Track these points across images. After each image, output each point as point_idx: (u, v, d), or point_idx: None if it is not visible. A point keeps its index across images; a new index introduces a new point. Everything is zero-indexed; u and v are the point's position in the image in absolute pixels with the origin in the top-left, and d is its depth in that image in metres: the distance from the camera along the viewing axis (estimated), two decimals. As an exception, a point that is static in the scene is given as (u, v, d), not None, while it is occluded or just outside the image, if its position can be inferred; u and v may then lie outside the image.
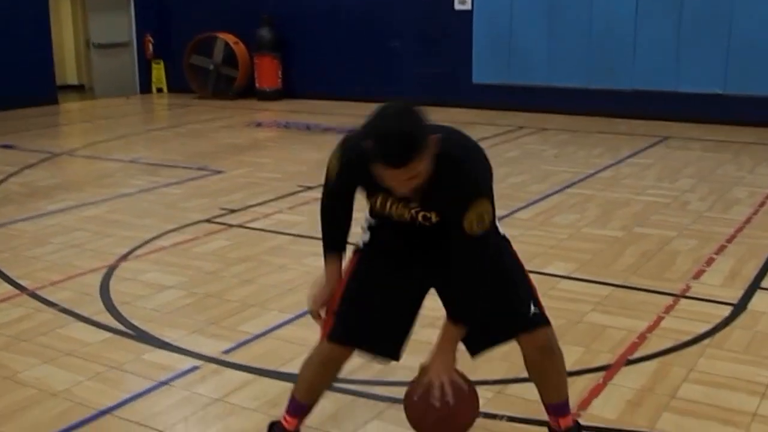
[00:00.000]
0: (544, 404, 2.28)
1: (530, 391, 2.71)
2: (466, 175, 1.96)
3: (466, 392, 2.16)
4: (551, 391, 2.25)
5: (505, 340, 2.22)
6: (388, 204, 2.08)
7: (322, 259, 2.26)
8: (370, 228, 2.24)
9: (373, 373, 2.93)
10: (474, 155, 2.02)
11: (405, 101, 1.92)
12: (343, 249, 2.26)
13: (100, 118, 9.92)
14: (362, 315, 2.19)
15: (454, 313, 2.14)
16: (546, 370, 2.21)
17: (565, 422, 2.26)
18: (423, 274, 2.19)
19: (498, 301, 2.14)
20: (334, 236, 2.24)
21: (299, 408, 2.30)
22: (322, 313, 2.24)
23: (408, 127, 1.84)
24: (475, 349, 2.25)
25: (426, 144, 1.85)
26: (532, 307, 2.16)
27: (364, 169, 1.95)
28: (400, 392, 2.74)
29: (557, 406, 2.26)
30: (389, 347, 2.25)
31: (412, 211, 2.07)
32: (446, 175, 1.93)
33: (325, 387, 2.32)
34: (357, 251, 2.27)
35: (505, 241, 2.21)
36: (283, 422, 2.31)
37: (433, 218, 2.07)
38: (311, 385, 2.28)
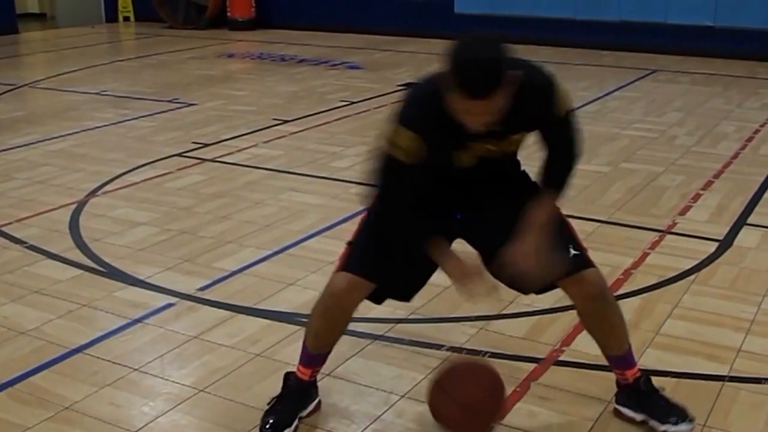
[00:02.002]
0: (605, 356, 2.14)
1: (512, 327, 2.70)
2: (548, 98, 1.91)
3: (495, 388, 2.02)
4: (610, 343, 2.10)
5: (544, 286, 2.05)
6: (462, 155, 1.95)
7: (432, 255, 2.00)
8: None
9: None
10: (529, 65, 1.92)
11: (487, 32, 1.81)
12: (431, 231, 2.01)
13: (64, 48, 9.50)
14: (382, 250, 2.03)
15: (544, 180, 2.04)
16: (600, 320, 2.05)
17: (632, 373, 2.13)
18: (456, 223, 2.07)
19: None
20: (425, 230, 1.99)
21: (311, 358, 2.18)
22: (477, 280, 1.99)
23: (494, 55, 1.74)
24: (532, 289, 2.10)
25: (508, 75, 1.74)
26: (572, 249, 2.01)
27: (437, 128, 1.83)
28: (380, 329, 2.72)
29: (620, 358, 2.12)
30: (405, 289, 2.13)
31: (487, 147, 1.93)
32: (525, 99, 1.83)
33: (336, 333, 2.15)
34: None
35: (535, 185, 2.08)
36: (298, 372, 2.20)
37: (505, 147, 1.98)
38: (319, 331, 2.14)
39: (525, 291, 2.12)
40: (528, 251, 1.95)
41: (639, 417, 2.14)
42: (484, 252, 2.08)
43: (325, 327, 2.13)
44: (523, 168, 2.17)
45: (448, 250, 2.01)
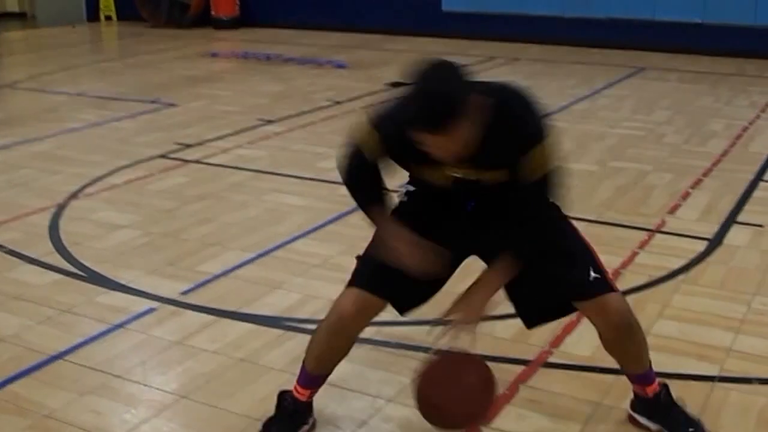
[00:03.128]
0: (624, 373, 2.10)
1: (500, 329, 2.66)
2: (520, 128, 1.80)
3: (479, 381, 1.95)
4: (631, 364, 2.06)
5: (563, 311, 2.01)
6: (433, 172, 1.90)
7: (370, 221, 2.03)
8: (408, 193, 2.07)
9: (341, 313, 2.82)
10: (524, 103, 1.82)
11: (444, 60, 1.75)
12: (385, 204, 2.03)
13: (44, 49, 9.38)
14: (386, 267, 1.94)
15: (503, 252, 1.93)
16: (622, 347, 2.00)
17: (652, 388, 2.08)
18: (463, 240, 2.00)
19: (551, 266, 1.93)
20: (372, 197, 2.02)
21: (310, 380, 2.09)
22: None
23: (447, 89, 1.68)
24: (531, 321, 2.05)
25: (468, 106, 1.67)
26: (592, 272, 1.92)
27: (404, 141, 1.77)
28: (365, 332, 2.65)
29: (640, 376, 2.08)
30: (409, 304, 2.06)
31: (458, 174, 1.87)
32: (498, 132, 1.75)
33: (340, 357, 2.06)
34: (393, 210, 2.06)
35: (554, 205, 1.98)
36: (294, 392, 2.11)
37: (486, 178, 1.88)
38: (322, 355, 2.05)
39: (527, 325, 2.08)
40: (473, 309, 1.94)
41: (654, 427, 2.10)
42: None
43: (328, 351, 2.05)
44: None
45: (386, 217, 1.99)
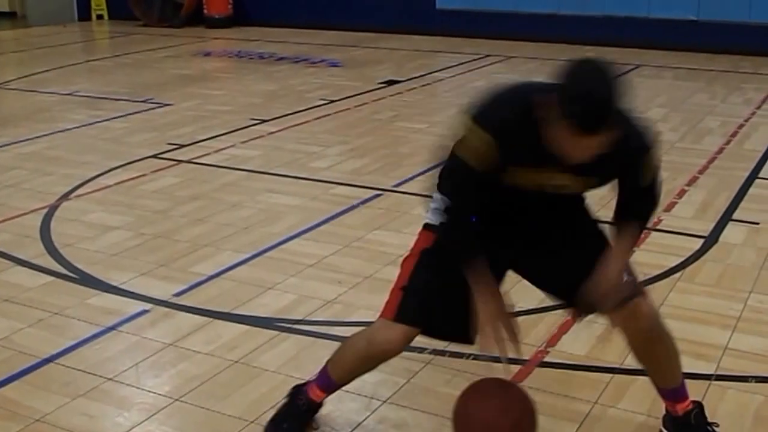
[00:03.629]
0: (655, 387, 2.03)
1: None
2: (641, 135, 1.79)
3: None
4: (662, 376, 1.99)
5: (591, 312, 1.94)
6: (531, 177, 1.79)
7: (468, 272, 1.83)
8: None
9: (333, 314, 2.81)
10: (634, 117, 1.80)
11: (597, 58, 1.70)
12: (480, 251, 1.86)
13: (35, 48, 9.31)
14: (437, 296, 1.88)
15: (626, 215, 1.90)
16: (652, 354, 1.94)
17: (683, 407, 2.00)
18: (513, 255, 1.94)
19: (580, 267, 1.86)
20: (473, 241, 1.84)
21: (332, 386, 2.06)
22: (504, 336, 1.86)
23: (611, 91, 1.63)
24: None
25: (618, 115, 1.64)
26: (624, 275, 1.86)
27: (518, 143, 1.70)
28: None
29: (670, 392, 2.00)
30: (463, 331, 1.93)
31: (559, 180, 1.80)
32: (624, 138, 1.71)
33: (368, 372, 2.04)
34: (431, 227, 1.93)
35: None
36: (311, 393, 2.06)
37: (577, 185, 1.84)
38: (353, 371, 2.01)
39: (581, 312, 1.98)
40: (612, 277, 1.85)
41: None
42: (535, 279, 2.00)
43: (362, 370, 2.02)
44: (591, 214, 2.03)
45: (488, 278, 1.84)
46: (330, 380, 2.04)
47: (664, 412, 2.08)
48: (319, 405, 2.09)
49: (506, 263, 1.97)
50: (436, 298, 1.89)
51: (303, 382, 2.13)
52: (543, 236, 1.93)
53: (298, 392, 2.09)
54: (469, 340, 1.94)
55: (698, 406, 2.04)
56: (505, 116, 1.74)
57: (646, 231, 3.50)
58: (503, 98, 1.78)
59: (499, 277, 1.95)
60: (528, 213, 1.91)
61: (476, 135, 1.74)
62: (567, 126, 1.60)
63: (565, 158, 1.68)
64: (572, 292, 1.90)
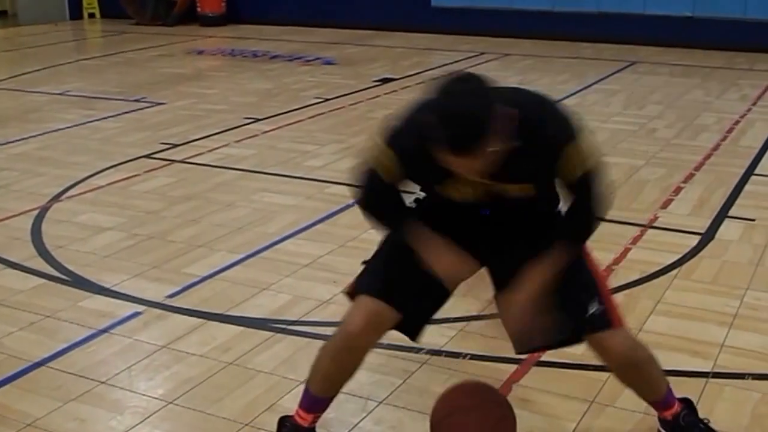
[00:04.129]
0: (643, 399, 2.01)
1: (489, 328, 2.62)
2: (548, 134, 1.71)
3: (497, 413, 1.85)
4: (644, 395, 1.98)
5: (558, 345, 1.93)
6: (454, 189, 1.80)
7: (393, 233, 1.89)
8: (418, 200, 1.97)
9: (328, 314, 2.79)
10: (549, 109, 1.76)
11: (468, 73, 1.64)
12: (409, 215, 1.90)
13: (26, 47, 9.25)
14: (399, 274, 1.86)
15: (562, 233, 1.83)
16: (630, 380, 1.93)
17: (671, 412, 1.99)
18: (478, 248, 1.89)
19: (554, 300, 1.82)
20: (395, 216, 1.89)
21: (315, 403, 1.95)
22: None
23: (474, 108, 1.56)
24: (520, 350, 1.96)
25: (495, 122, 1.57)
26: (594, 305, 1.81)
27: (423, 159, 1.68)
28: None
29: (657, 403, 1.99)
30: (419, 319, 1.94)
31: (486, 189, 1.77)
32: (526, 142, 1.66)
33: (349, 375, 1.92)
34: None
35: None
36: (297, 417, 1.96)
37: (511, 191, 1.79)
38: (330, 374, 1.91)
39: (516, 349, 1.95)
40: (519, 306, 1.82)
41: None
42: (497, 285, 1.94)
43: (336, 370, 1.90)
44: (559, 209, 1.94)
45: (428, 232, 1.83)
46: (309, 395, 1.94)
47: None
48: (309, 429, 1.97)
49: (477, 257, 1.91)
50: (394, 267, 1.88)
51: (288, 414, 2.02)
52: (501, 233, 1.90)
53: (283, 423, 2.00)
54: (414, 334, 1.94)
55: (686, 406, 2.02)
56: (405, 135, 1.76)
57: (642, 228, 3.54)
58: (408, 120, 1.77)
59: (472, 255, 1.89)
60: (479, 221, 1.89)
61: (381, 150, 1.80)
62: (441, 149, 1.60)
63: (459, 175, 1.67)
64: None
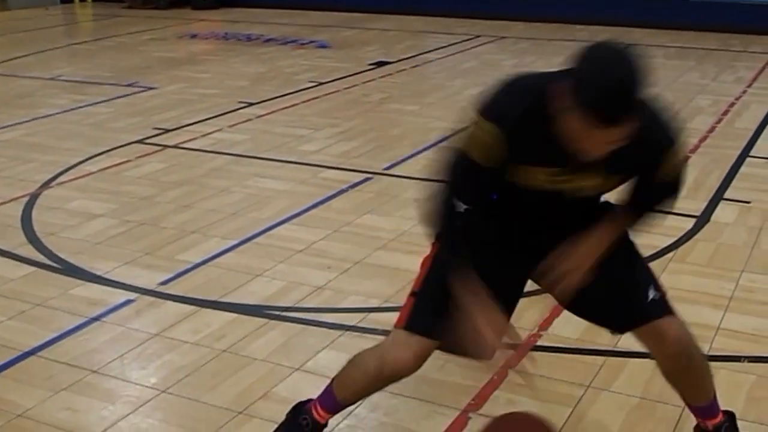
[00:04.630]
0: (685, 403, 1.90)
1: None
2: (664, 130, 1.63)
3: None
4: (692, 395, 1.84)
5: (616, 329, 1.83)
6: (540, 175, 1.64)
7: (451, 272, 1.68)
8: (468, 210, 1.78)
9: (322, 300, 2.77)
10: (660, 106, 1.66)
11: (617, 42, 1.52)
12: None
13: (16, 32, 9.14)
14: (451, 311, 1.70)
15: (631, 206, 1.76)
16: (682, 376, 1.79)
17: (714, 422, 1.88)
18: (532, 261, 1.75)
19: (611, 284, 1.73)
20: (458, 241, 1.70)
21: (337, 406, 1.88)
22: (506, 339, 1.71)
23: (634, 77, 1.46)
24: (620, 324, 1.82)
25: (642, 96, 1.48)
26: (651, 292, 1.72)
27: (529, 138, 1.55)
28: (351, 319, 2.62)
29: (701, 409, 1.87)
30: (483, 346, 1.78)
31: (587, 179, 1.64)
32: (646, 133, 1.56)
33: (375, 392, 1.86)
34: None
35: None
36: (316, 414, 1.88)
37: (592, 185, 1.67)
38: (361, 392, 1.83)
39: (561, 302, 1.84)
40: (578, 255, 1.69)
41: None
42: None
43: (370, 391, 1.84)
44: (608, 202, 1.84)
45: (477, 281, 1.67)
46: (335, 401, 1.87)
47: (695, 423, 1.95)
48: (324, 426, 1.91)
49: (517, 282, 1.80)
50: (443, 302, 1.70)
51: (305, 399, 1.94)
52: (562, 237, 1.74)
53: (299, 411, 1.91)
54: (487, 355, 1.75)
55: (729, 419, 1.91)
56: (512, 106, 1.59)
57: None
58: (511, 89, 1.63)
59: (509, 300, 1.78)
60: (542, 220, 1.76)
61: (481, 127, 1.60)
62: (583, 116, 1.44)
63: (580, 154, 1.52)
64: (602, 314, 1.79)
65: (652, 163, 1.66)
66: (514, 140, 1.59)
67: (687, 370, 1.77)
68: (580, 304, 1.79)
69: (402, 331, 1.75)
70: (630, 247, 1.81)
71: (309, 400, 1.93)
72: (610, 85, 1.43)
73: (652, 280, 1.77)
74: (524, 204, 1.74)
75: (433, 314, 1.73)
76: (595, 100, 1.43)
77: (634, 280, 1.76)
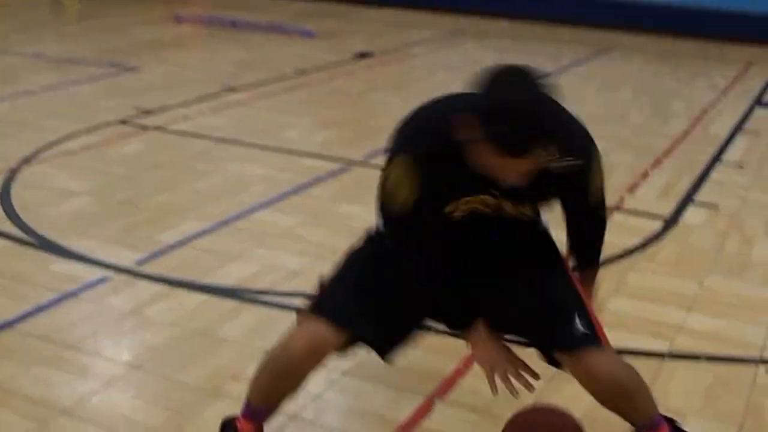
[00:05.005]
0: (629, 423, 1.81)
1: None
2: (584, 150, 1.62)
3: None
4: (632, 418, 1.74)
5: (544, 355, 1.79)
6: (461, 202, 1.65)
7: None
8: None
9: (297, 285, 2.80)
10: (575, 120, 1.65)
11: (520, 67, 1.48)
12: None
13: (0, 8, 9.01)
14: (360, 298, 1.71)
15: (581, 262, 1.81)
16: (616, 409, 1.72)
17: None
18: (470, 281, 1.75)
19: (536, 311, 1.72)
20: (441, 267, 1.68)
21: (255, 413, 1.78)
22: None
23: (540, 102, 1.43)
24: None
25: (550, 122, 1.45)
26: (578, 323, 1.68)
27: (442, 163, 1.53)
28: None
29: (645, 426, 1.76)
30: (385, 341, 1.79)
31: (508, 205, 1.65)
32: (563, 155, 1.54)
33: (290, 391, 1.76)
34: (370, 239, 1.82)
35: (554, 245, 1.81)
36: (238, 425, 1.79)
37: (527, 211, 1.70)
38: (268, 387, 1.75)
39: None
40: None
41: None
42: (489, 314, 1.77)
43: (277, 386, 1.75)
44: (543, 229, 1.85)
45: (476, 321, 1.70)
46: (251, 407, 1.78)
47: None
48: None
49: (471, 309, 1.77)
50: (351, 293, 1.72)
51: (232, 416, 1.84)
52: (495, 272, 1.76)
53: (226, 427, 1.83)
54: (387, 354, 1.80)
55: (672, 426, 1.82)
56: (422, 139, 1.59)
57: (608, 211, 3.56)
58: (419, 124, 1.62)
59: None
60: (476, 245, 1.76)
61: (396, 164, 1.59)
62: (492, 148, 1.42)
63: (497, 181, 1.51)
64: (531, 333, 1.78)
65: (575, 184, 1.65)
66: (428, 170, 1.58)
67: (621, 399, 1.71)
68: (509, 315, 1.77)
69: (303, 318, 1.74)
70: (560, 277, 1.80)
71: (235, 417, 1.83)
72: (515, 116, 1.39)
73: (583, 310, 1.73)
74: (457, 230, 1.72)
75: (337, 302, 1.72)
76: (502, 133, 1.40)
77: (561, 308, 1.73)
